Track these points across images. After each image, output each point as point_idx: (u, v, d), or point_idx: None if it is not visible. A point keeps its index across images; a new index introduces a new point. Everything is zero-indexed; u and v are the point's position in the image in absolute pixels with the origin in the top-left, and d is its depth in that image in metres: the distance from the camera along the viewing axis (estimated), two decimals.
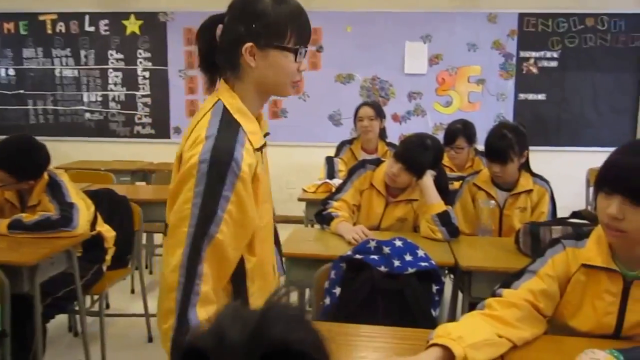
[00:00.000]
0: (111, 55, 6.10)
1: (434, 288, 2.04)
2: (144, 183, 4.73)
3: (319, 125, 5.93)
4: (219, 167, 1.21)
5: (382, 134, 3.92)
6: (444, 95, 5.92)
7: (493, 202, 2.70)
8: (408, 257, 2.04)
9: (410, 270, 2.01)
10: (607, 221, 1.33)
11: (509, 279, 1.50)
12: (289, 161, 5.65)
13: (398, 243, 2.09)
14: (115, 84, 6.15)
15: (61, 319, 3.13)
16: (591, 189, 4.66)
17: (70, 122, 6.25)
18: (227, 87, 1.33)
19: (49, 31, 6.12)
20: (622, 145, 1.39)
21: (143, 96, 6.14)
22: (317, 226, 2.87)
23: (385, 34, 5.83)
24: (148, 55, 6.07)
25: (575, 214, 2.30)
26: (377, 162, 2.81)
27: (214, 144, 1.22)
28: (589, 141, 5.84)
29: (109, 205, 3.06)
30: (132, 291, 3.92)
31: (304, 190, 3.63)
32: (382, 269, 2.01)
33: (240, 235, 1.27)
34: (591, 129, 5.85)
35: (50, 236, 2.46)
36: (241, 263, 1.32)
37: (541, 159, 2.70)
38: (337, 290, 2.02)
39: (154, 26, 6.01)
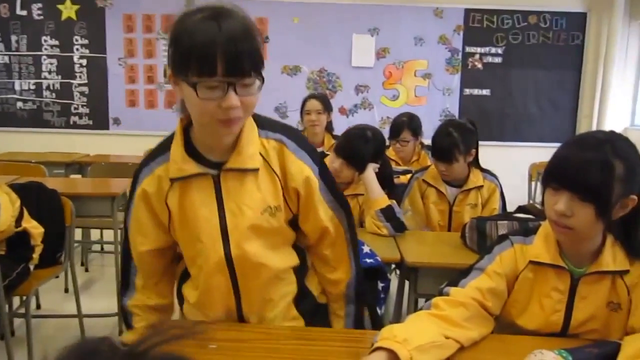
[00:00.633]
0: (45, 41, 5.80)
1: (380, 285, 1.98)
2: (79, 176, 4.50)
3: None
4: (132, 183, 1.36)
5: (329, 127, 3.85)
6: (391, 88, 5.92)
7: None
8: None
9: None
10: (555, 218, 1.29)
11: (456, 277, 1.45)
12: None
13: None
14: (50, 72, 5.86)
15: None
16: (533, 184, 4.75)
17: (1, 111, 5.92)
18: None
19: None
20: (568, 140, 1.33)
21: (80, 85, 5.87)
22: None
23: (332, 25, 5.77)
24: (85, 42, 5.81)
25: (520, 209, 2.29)
26: (322, 156, 2.73)
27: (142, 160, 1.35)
28: (531, 136, 5.98)
29: (38, 199, 2.86)
30: (66, 290, 3.71)
31: None
32: None
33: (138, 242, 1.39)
34: (533, 124, 5.99)
35: None
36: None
37: (485, 153, 2.70)
38: None
39: (92, 11, 5.75)
